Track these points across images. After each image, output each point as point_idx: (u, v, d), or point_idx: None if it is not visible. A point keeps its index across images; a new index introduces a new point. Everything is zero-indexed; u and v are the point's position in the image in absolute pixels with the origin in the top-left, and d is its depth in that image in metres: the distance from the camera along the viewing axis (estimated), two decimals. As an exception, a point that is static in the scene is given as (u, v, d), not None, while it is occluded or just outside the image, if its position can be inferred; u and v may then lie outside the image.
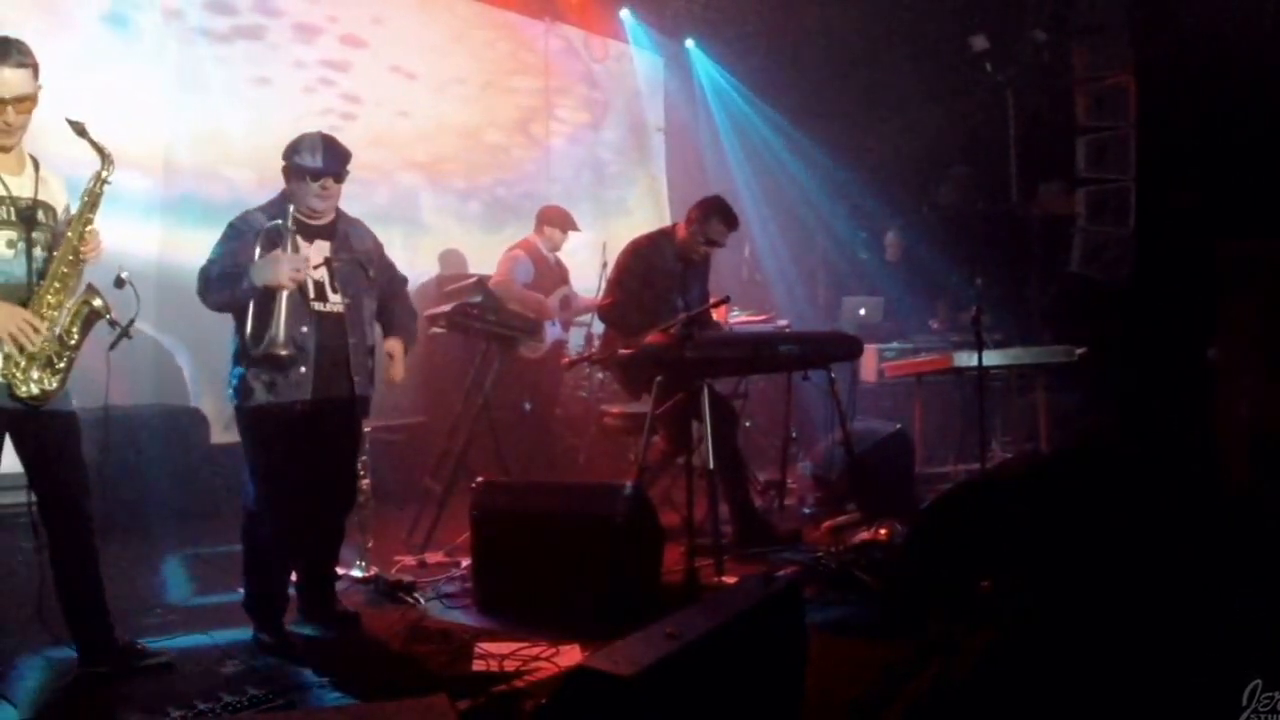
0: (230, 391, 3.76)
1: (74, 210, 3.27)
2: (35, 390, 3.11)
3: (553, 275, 6.72)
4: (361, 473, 4.45)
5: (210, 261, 3.69)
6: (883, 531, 4.91)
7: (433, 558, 4.87)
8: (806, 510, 5.99)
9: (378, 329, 4.08)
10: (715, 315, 5.72)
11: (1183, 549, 4.08)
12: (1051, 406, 6.75)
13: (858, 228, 9.78)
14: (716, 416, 4.71)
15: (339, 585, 4.21)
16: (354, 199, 7.29)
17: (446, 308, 5.36)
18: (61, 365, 3.18)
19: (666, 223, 6.61)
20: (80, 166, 3.30)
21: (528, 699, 3.09)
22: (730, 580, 4.33)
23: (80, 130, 3.17)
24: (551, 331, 6.57)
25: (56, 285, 3.17)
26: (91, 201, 3.23)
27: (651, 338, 4.72)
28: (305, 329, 3.67)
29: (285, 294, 3.57)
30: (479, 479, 4.45)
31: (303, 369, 3.66)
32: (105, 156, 3.24)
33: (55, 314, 3.17)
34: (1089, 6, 7.91)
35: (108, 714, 3.12)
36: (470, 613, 4.13)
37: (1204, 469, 4.91)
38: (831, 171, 9.72)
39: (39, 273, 3.17)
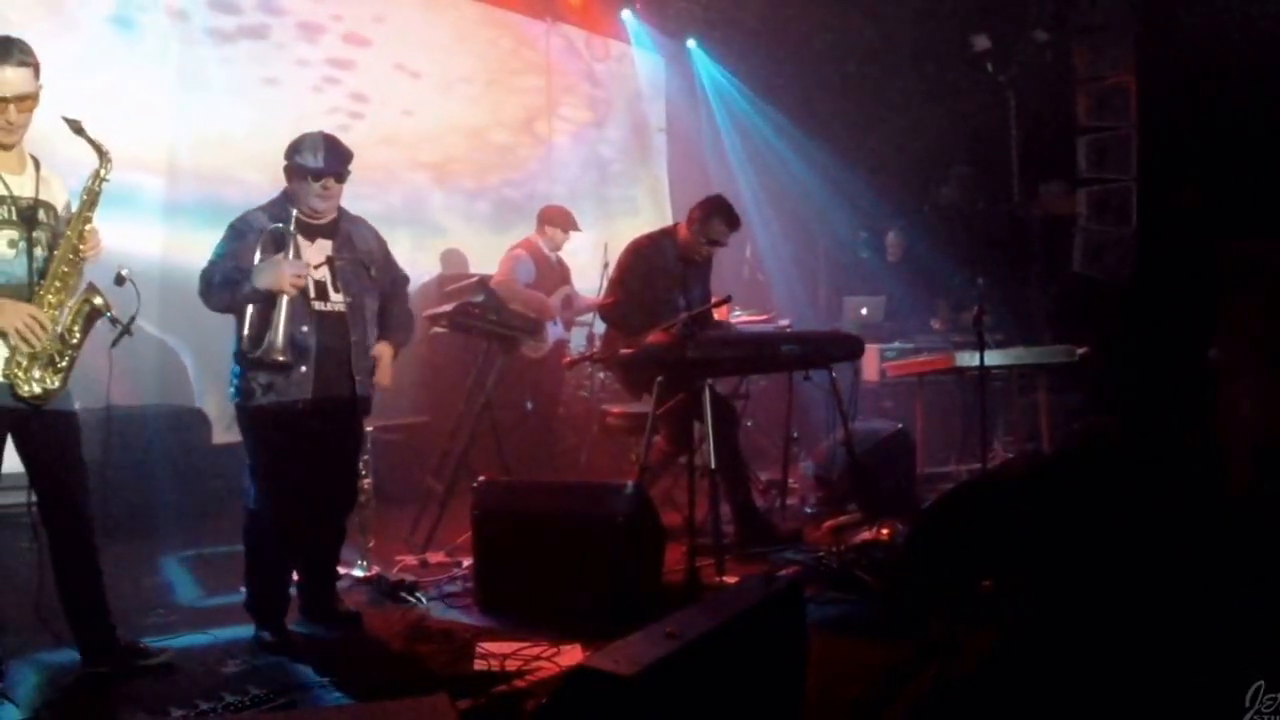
0: (232, 391, 3.76)
1: (74, 209, 3.28)
2: (37, 390, 3.11)
3: (554, 275, 6.73)
4: (363, 472, 4.46)
5: (211, 262, 3.70)
6: (884, 531, 4.91)
7: (434, 557, 4.87)
8: (808, 510, 5.98)
9: None
10: (717, 315, 5.72)
11: (1184, 550, 4.07)
12: (1053, 406, 6.75)
13: (859, 227, 9.77)
14: (718, 416, 4.70)
15: (340, 585, 4.22)
16: (367, 199, 7.37)
17: (448, 307, 5.36)
18: (63, 364, 3.18)
19: (668, 222, 6.61)
20: (82, 167, 3.30)
21: (529, 699, 3.10)
22: (731, 580, 4.33)
23: (77, 128, 3.17)
24: (553, 331, 6.57)
25: (57, 284, 3.18)
26: (90, 200, 3.24)
27: (653, 337, 4.72)
28: (305, 328, 3.67)
29: (286, 298, 3.57)
30: (480, 478, 4.45)
31: (303, 368, 3.67)
32: (103, 154, 3.24)
33: (56, 313, 3.18)
34: (1090, 6, 7.91)
35: (109, 713, 3.12)
36: (471, 612, 4.13)
37: (1205, 469, 4.91)
38: (833, 171, 9.72)
39: (40, 272, 3.18)
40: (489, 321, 5.35)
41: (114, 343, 3.36)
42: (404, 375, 6.80)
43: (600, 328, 6.18)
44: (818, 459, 6.14)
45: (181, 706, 3.07)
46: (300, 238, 3.72)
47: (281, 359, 3.58)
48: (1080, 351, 6.46)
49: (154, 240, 6.12)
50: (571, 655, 3.47)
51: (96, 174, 3.25)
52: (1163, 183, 7.59)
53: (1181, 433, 5.60)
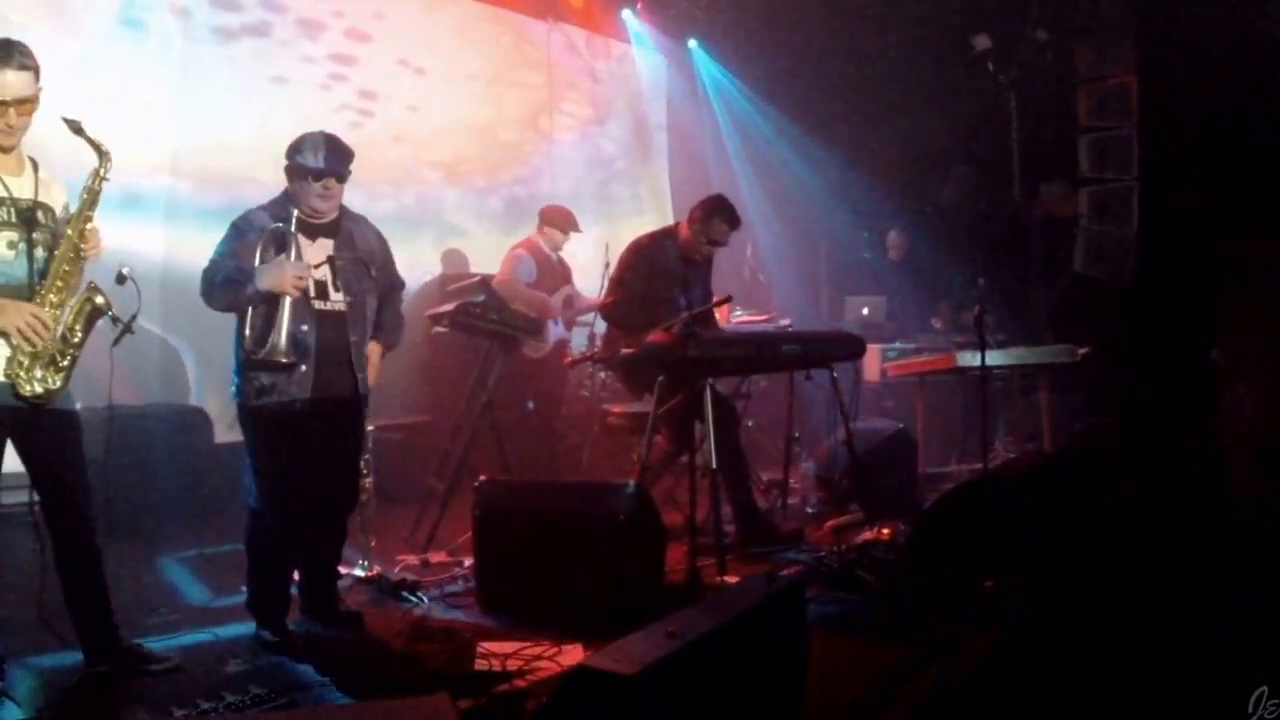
0: (233, 390, 3.77)
1: (73, 210, 3.28)
2: (39, 389, 3.11)
3: (555, 274, 6.73)
4: (364, 471, 4.46)
5: (213, 262, 3.70)
6: (885, 531, 4.92)
7: (435, 557, 4.87)
8: (809, 510, 5.99)
9: None
10: (717, 315, 5.72)
11: (1185, 550, 4.07)
12: (1054, 406, 6.74)
13: (860, 227, 9.77)
14: (719, 416, 4.71)
15: (341, 584, 4.22)
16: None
17: (449, 307, 5.37)
18: (65, 364, 3.18)
19: (669, 222, 6.61)
20: (82, 166, 3.30)
21: (530, 698, 3.10)
22: (732, 580, 4.33)
23: (77, 129, 3.18)
24: (554, 331, 6.57)
25: (59, 284, 3.18)
26: (91, 199, 3.24)
27: (654, 337, 4.72)
28: (306, 327, 3.68)
29: (288, 299, 3.58)
30: (482, 478, 4.45)
31: (303, 367, 3.67)
32: (103, 154, 3.25)
33: (58, 312, 3.18)
34: (1091, 6, 7.90)
35: (111, 713, 3.13)
36: (472, 612, 4.13)
37: (1206, 470, 4.91)
38: (834, 171, 9.72)
39: (40, 273, 3.18)
40: (490, 321, 5.36)
41: (115, 341, 3.36)
42: (405, 375, 6.85)
43: (602, 327, 6.18)
44: (819, 459, 6.15)
45: (183, 706, 3.08)
46: (301, 237, 3.73)
47: (285, 360, 3.59)
48: (1082, 352, 6.45)
49: (156, 239, 6.13)
50: (573, 655, 3.48)
51: (96, 173, 3.25)
52: (1164, 183, 7.58)
53: (1183, 434, 5.60)
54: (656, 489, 5.11)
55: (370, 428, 4.41)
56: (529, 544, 4.10)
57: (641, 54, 9.98)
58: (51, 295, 3.16)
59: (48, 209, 3.26)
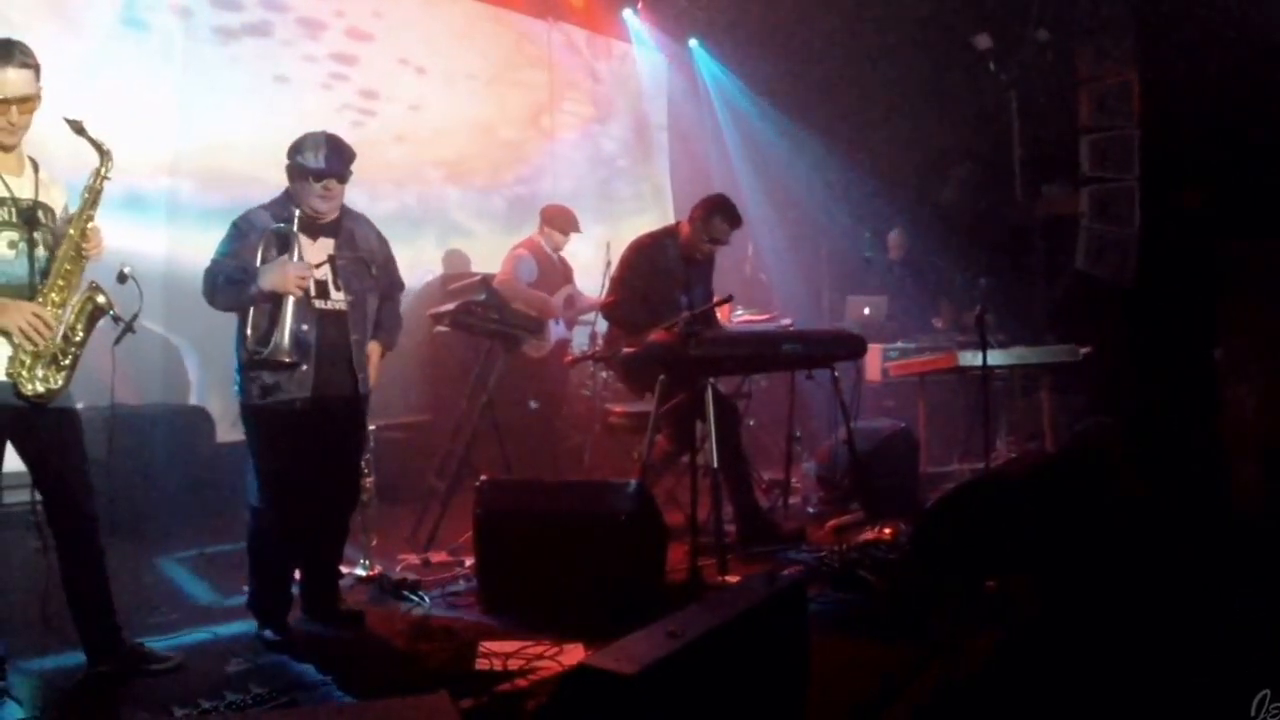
0: (235, 389, 3.78)
1: (73, 210, 3.28)
2: (41, 389, 3.11)
3: (556, 274, 6.72)
4: (365, 471, 4.46)
5: (214, 261, 3.70)
6: (887, 531, 4.91)
7: (436, 556, 4.87)
8: (810, 509, 5.98)
9: None
10: (719, 314, 5.72)
11: (1187, 551, 4.07)
12: (1056, 406, 6.74)
13: (862, 227, 9.76)
14: (720, 415, 4.70)
15: (343, 583, 4.22)
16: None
17: (451, 306, 5.37)
18: (66, 363, 3.19)
19: (671, 221, 6.61)
20: (83, 166, 3.30)
21: (531, 698, 3.09)
22: (734, 579, 4.32)
23: (78, 128, 3.18)
24: (555, 330, 6.57)
25: (60, 283, 3.18)
26: (92, 198, 3.24)
27: (655, 336, 4.72)
28: (306, 327, 3.68)
29: (291, 299, 3.59)
30: (483, 477, 4.45)
31: (304, 367, 3.67)
32: (104, 153, 3.25)
33: (60, 311, 3.18)
34: (1092, 6, 7.90)
35: (113, 713, 3.13)
36: (474, 611, 4.12)
37: (1208, 470, 4.90)
38: (835, 170, 9.71)
39: (41, 273, 3.18)
40: (491, 320, 5.36)
41: (117, 341, 3.37)
42: (407, 374, 6.85)
43: (603, 326, 6.18)
44: (820, 458, 6.14)
45: (184, 705, 3.07)
46: (302, 236, 3.72)
47: (287, 359, 3.61)
48: (1083, 351, 6.45)
49: (157, 239, 6.13)
50: (574, 654, 3.47)
51: (98, 172, 3.25)
52: (1166, 183, 7.57)
53: (1184, 434, 5.60)
54: (658, 488, 5.11)
55: (371, 427, 4.41)
56: (530, 543, 4.09)
57: (642, 53, 9.98)
58: (53, 295, 3.16)
59: (48, 209, 3.26)
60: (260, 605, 3.81)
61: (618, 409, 6.06)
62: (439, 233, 8.00)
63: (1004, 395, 7.17)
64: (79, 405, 3.35)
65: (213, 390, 6.29)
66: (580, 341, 7.10)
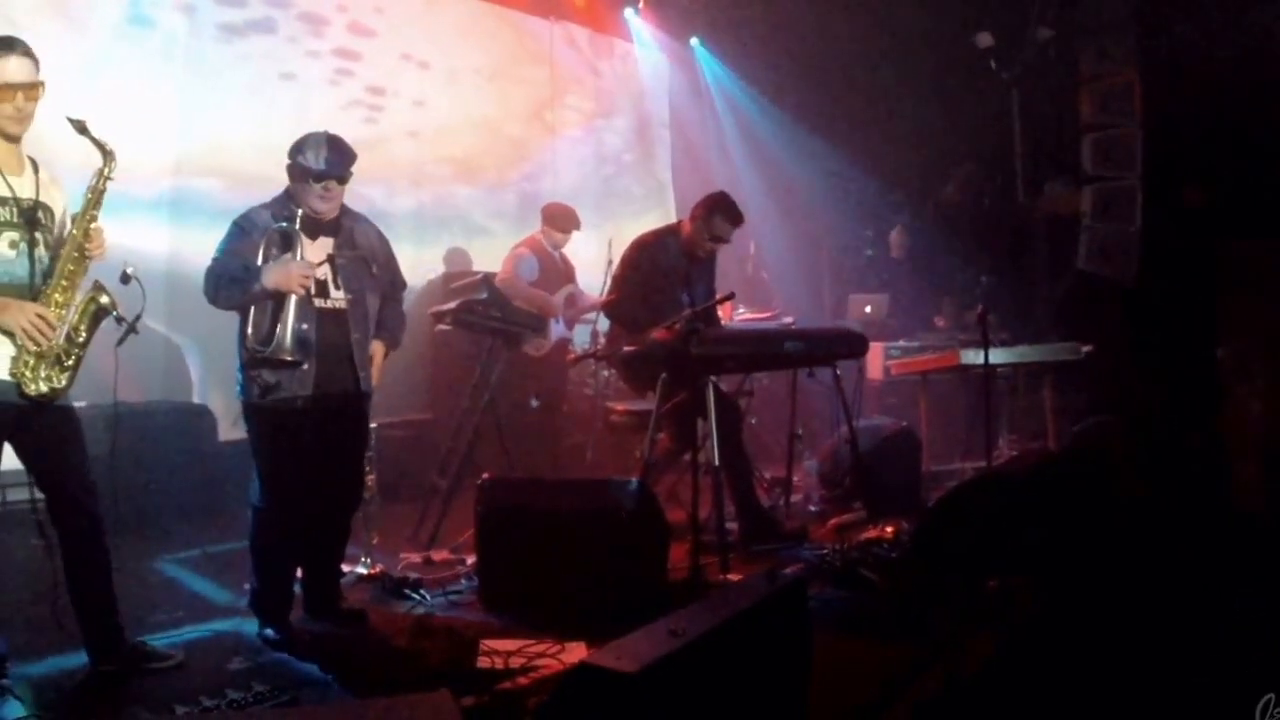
0: (237, 388, 3.78)
1: (74, 211, 3.28)
2: (44, 388, 3.12)
3: (558, 272, 6.72)
4: (367, 469, 4.46)
5: (216, 261, 3.70)
6: (888, 529, 4.92)
7: (438, 555, 4.87)
8: (812, 508, 5.98)
9: None
10: (720, 312, 5.72)
11: (1190, 551, 4.07)
12: (1058, 404, 6.73)
13: (863, 226, 9.76)
14: (721, 413, 4.70)
15: (344, 582, 4.23)
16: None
17: (452, 305, 5.37)
18: (70, 363, 3.19)
19: (673, 220, 6.61)
20: (86, 169, 3.30)
21: (532, 696, 3.09)
22: (735, 578, 4.32)
23: (81, 128, 3.18)
24: (555, 329, 6.57)
25: (64, 283, 3.18)
26: (95, 199, 3.24)
27: (656, 334, 4.72)
28: (306, 325, 3.68)
29: (294, 297, 3.59)
30: (484, 476, 4.45)
31: (305, 365, 3.68)
32: (107, 153, 3.25)
33: (63, 311, 3.18)
34: (1094, 4, 7.89)
35: (115, 711, 3.13)
36: (475, 610, 4.13)
37: (1210, 470, 4.90)
38: (837, 169, 9.71)
39: (43, 273, 3.18)
40: (493, 319, 5.36)
41: (120, 341, 3.36)
42: (408, 373, 6.85)
43: (605, 325, 6.18)
44: (822, 457, 6.14)
45: (185, 703, 3.08)
46: (302, 235, 3.72)
47: (289, 357, 3.61)
48: (1085, 349, 6.44)
49: (160, 238, 6.13)
50: (576, 653, 3.47)
51: (101, 173, 3.25)
52: (1168, 181, 7.57)
53: (1186, 433, 5.59)
54: (659, 487, 5.11)
55: (373, 425, 4.41)
56: (532, 542, 4.10)
57: (643, 53, 9.98)
58: (57, 295, 3.17)
59: (48, 209, 3.26)
60: (262, 603, 3.81)
61: (619, 407, 6.06)
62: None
63: (1006, 394, 7.17)
64: (81, 404, 3.35)
65: (215, 389, 6.30)
66: (582, 340, 7.10)
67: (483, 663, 3.42)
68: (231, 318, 3.78)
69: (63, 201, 3.35)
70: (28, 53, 3.12)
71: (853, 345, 5.34)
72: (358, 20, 7.50)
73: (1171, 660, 3.06)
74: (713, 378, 4.69)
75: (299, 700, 3.12)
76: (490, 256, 7.32)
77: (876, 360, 7.30)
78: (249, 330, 3.64)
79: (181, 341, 6.29)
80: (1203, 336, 5.40)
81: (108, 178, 3.26)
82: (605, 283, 6.30)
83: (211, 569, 4.80)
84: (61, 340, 3.16)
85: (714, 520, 4.67)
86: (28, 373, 3.09)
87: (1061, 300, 8.39)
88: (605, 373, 6.95)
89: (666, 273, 5.26)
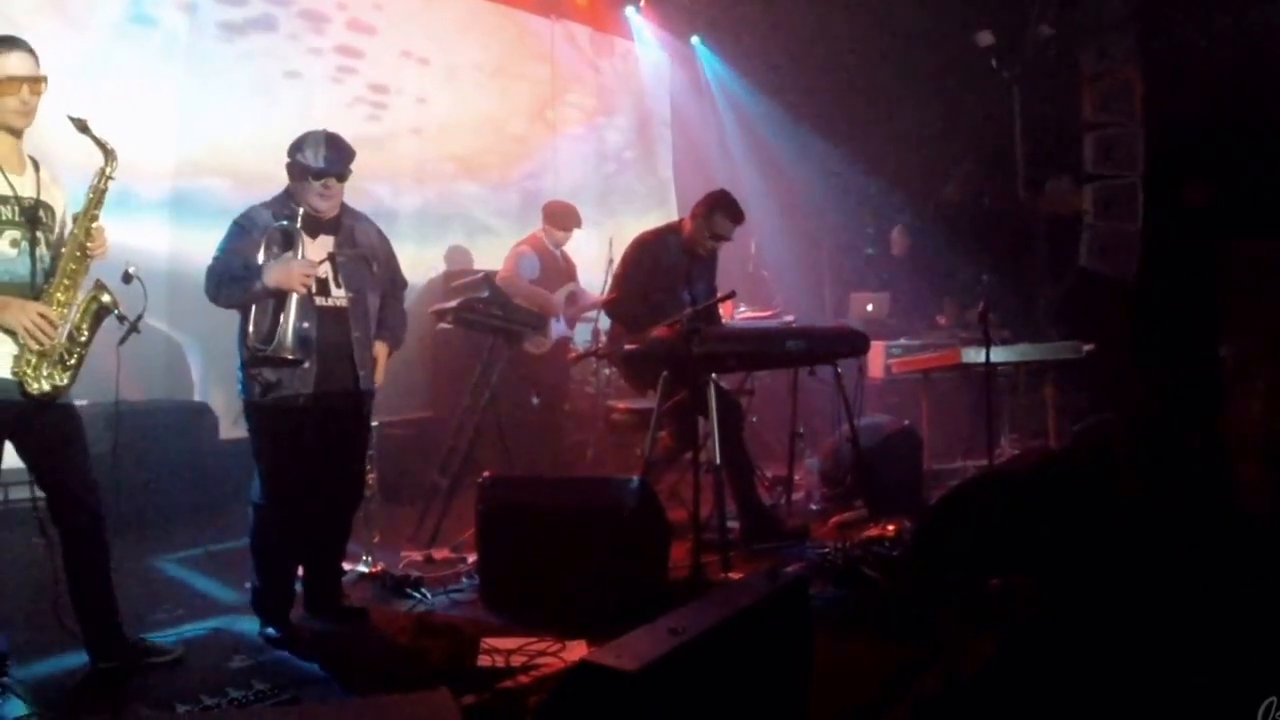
0: (238, 387, 3.78)
1: (75, 210, 3.28)
2: (47, 387, 3.12)
3: (559, 270, 6.72)
4: (368, 467, 4.46)
5: (216, 259, 3.70)
6: (890, 528, 4.91)
7: (439, 553, 4.87)
8: (813, 506, 5.98)
9: None
10: (721, 311, 5.71)
11: (1191, 551, 4.06)
12: (1059, 403, 6.73)
13: (864, 224, 9.75)
14: (722, 412, 4.70)
15: (345, 580, 4.23)
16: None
17: (453, 303, 5.37)
18: (72, 362, 3.19)
19: (674, 218, 6.60)
20: (87, 168, 3.30)
21: (533, 695, 3.09)
22: (736, 576, 4.32)
23: (82, 127, 3.18)
24: (556, 328, 6.57)
25: (66, 282, 3.18)
26: (97, 198, 3.24)
27: (657, 333, 4.72)
28: (307, 324, 3.68)
29: (295, 295, 3.59)
30: (485, 474, 4.45)
31: (306, 364, 3.68)
32: (108, 152, 3.25)
33: (65, 310, 3.18)
34: (1095, 3, 7.88)
35: (115, 709, 3.13)
36: (476, 608, 4.13)
37: (1211, 469, 4.89)
38: (838, 167, 9.70)
39: (44, 272, 3.18)
40: (494, 317, 5.36)
41: (122, 340, 3.36)
42: (409, 371, 6.86)
43: (606, 323, 6.18)
44: (823, 455, 6.14)
45: (186, 702, 3.08)
46: (303, 233, 3.72)
47: (290, 356, 3.61)
48: (1087, 348, 6.44)
49: (161, 237, 6.14)
50: (577, 651, 3.47)
51: (102, 172, 3.25)
52: (1170, 180, 7.56)
53: (1187, 432, 5.59)
54: (660, 485, 5.11)
55: (374, 424, 4.41)
56: (533, 540, 4.09)
57: (644, 51, 9.97)
58: (58, 294, 3.17)
59: (49, 209, 3.26)
60: (263, 602, 3.81)
61: (620, 406, 6.06)
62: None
63: (1007, 392, 7.17)
64: (83, 402, 3.35)
65: (216, 387, 6.30)
66: (583, 338, 7.10)
67: (483, 661, 3.42)
68: (232, 317, 3.78)
69: (63, 201, 3.35)
70: (30, 50, 3.14)
71: (854, 344, 5.33)
72: (358, 17, 7.50)
73: (1173, 661, 3.05)
74: (714, 376, 4.69)
75: (300, 698, 3.13)
76: (494, 255, 7.31)
77: (878, 359, 7.30)
78: (250, 329, 3.64)
79: (183, 340, 6.29)
80: (1204, 336, 5.39)
81: (109, 177, 3.26)
82: (606, 281, 6.31)
83: (212, 567, 4.80)
84: (64, 339, 3.17)
85: (715, 519, 4.67)
86: (30, 371, 3.09)
87: (1062, 299, 8.38)
88: (606, 371, 6.95)
89: (667, 271, 5.26)
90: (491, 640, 3.60)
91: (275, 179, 3.90)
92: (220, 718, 3.02)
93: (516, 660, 3.40)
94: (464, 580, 4.48)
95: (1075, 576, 3.88)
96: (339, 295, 3.80)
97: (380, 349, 4.02)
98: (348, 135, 3.88)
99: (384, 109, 7.54)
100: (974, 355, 5.95)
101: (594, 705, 2.04)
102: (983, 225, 8.88)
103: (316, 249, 3.77)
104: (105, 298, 3.26)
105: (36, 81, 3.13)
